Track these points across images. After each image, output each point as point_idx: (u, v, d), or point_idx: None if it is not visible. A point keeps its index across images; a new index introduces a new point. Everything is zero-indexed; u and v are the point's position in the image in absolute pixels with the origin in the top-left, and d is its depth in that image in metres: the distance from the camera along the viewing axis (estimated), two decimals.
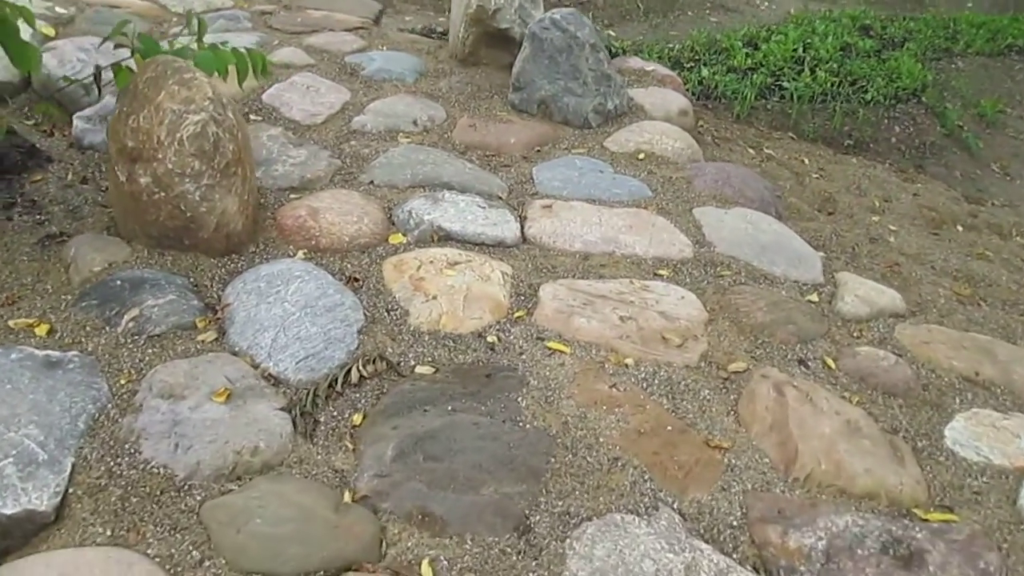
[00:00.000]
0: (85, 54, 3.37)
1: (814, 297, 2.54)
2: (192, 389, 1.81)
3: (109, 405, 1.76)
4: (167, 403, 1.75)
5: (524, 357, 2.12)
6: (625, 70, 4.04)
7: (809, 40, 5.59)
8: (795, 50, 5.36)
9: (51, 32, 3.62)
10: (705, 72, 4.85)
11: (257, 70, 2.66)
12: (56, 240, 2.39)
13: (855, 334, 2.39)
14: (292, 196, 2.71)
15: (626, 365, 2.13)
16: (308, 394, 1.91)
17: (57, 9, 3.86)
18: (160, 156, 2.20)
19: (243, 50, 2.62)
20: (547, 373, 2.06)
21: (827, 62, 5.23)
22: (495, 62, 3.88)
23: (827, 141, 4.47)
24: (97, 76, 2.60)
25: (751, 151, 4.14)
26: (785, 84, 4.84)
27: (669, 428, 1.93)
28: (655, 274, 2.55)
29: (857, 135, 4.56)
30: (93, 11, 3.92)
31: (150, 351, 1.93)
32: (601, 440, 1.87)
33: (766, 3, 7.34)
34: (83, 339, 1.95)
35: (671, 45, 5.49)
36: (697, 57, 5.24)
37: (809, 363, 2.22)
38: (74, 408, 1.71)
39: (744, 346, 2.27)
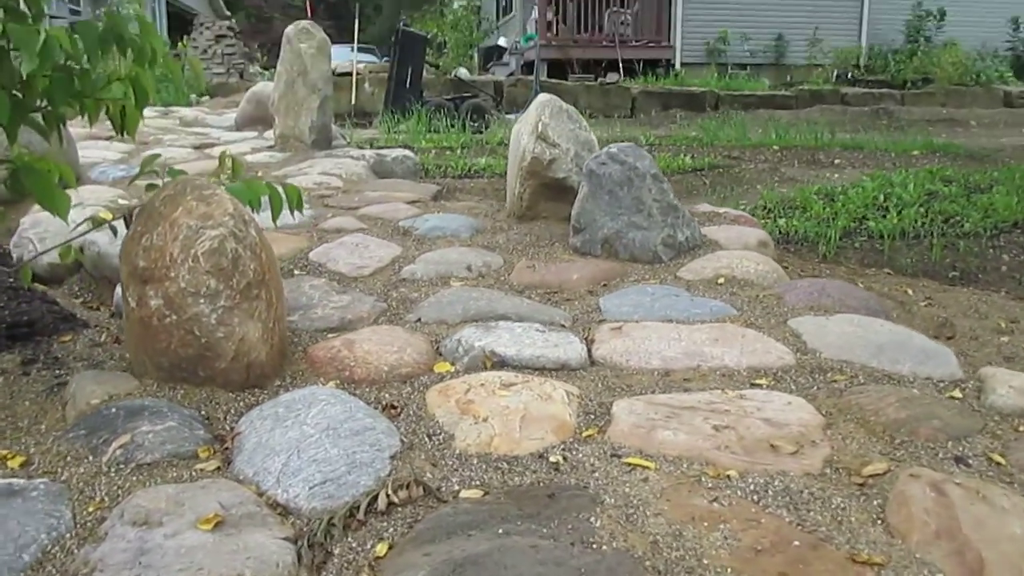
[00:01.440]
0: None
1: (956, 393, 2.05)
2: (174, 516, 1.43)
3: (68, 535, 1.40)
4: (137, 531, 1.38)
5: (597, 475, 1.69)
6: (694, 212, 3.78)
7: (889, 190, 5.32)
8: (875, 197, 5.08)
9: (108, 216, 3.60)
10: (782, 221, 4.57)
11: (292, 204, 2.48)
12: (64, 384, 2.13)
13: (1020, 428, 1.88)
14: (330, 335, 2.43)
15: (728, 477, 1.68)
16: (321, 523, 1.51)
17: (120, 201, 3.89)
18: (173, 275, 1.97)
19: (278, 185, 2.47)
20: (627, 490, 1.62)
21: (912, 205, 4.91)
22: (554, 215, 3.68)
23: (929, 274, 4.03)
24: (128, 217, 2.46)
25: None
26: (871, 223, 4.50)
27: (796, 543, 1.44)
28: (751, 384, 2.12)
29: (962, 266, 4.12)
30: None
31: (134, 479, 1.59)
32: (705, 562, 1.40)
33: (836, 175, 7.18)
34: (59, 469, 1.62)
35: (744, 203, 5.28)
36: (771, 212, 4.99)
37: (969, 460, 1.72)
38: (22, 538, 1.35)
39: (878, 448, 1.78)
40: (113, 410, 1.80)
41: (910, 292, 3.72)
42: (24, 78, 2.18)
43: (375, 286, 2.89)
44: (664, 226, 3.16)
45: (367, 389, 2.08)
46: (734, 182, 6.51)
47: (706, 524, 1.51)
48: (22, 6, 2.07)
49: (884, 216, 4.69)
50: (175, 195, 2.06)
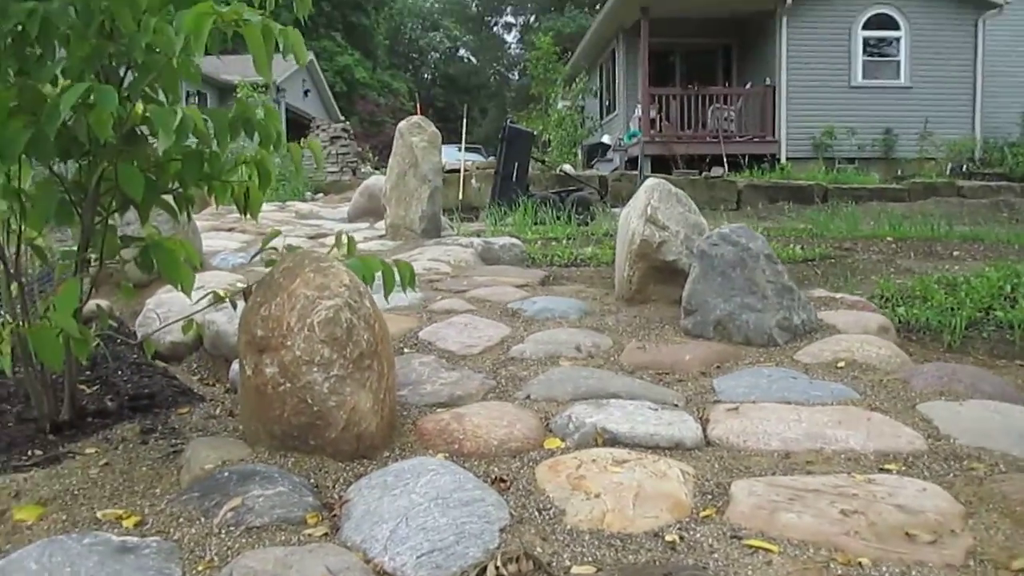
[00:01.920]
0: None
1: None
2: None
3: None
4: None
5: (716, 556, 1.59)
6: (813, 298, 3.66)
7: (1016, 280, 5.03)
8: (1001, 287, 4.81)
9: (226, 293, 3.75)
10: (902, 311, 4.36)
11: (405, 282, 2.53)
12: (180, 452, 2.18)
13: None
14: (439, 410, 2.42)
15: (860, 564, 1.55)
16: None
17: (239, 284, 4.05)
18: (288, 343, 2.01)
19: (391, 263, 2.52)
20: (749, 573, 1.52)
21: None
22: (664, 298, 3.63)
23: None
24: (247, 292, 2.55)
25: None
26: (999, 313, 4.25)
27: None
28: (880, 469, 1.98)
29: None
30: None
31: (243, 540, 1.58)
32: None
33: (956, 267, 6.87)
34: (171, 529, 1.64)
35: (859, 292, 5.08)
36: (888, 299, 4.78)
37: None
38: None
39: None
40: (226, 474, 1.82)
41: None
42: (158, 159, 2.32)
43: (484, 364, 2.89)
44: (779, 308, 3.06)
45: (476, 462, 2.04)
46: (847, 272, 6.30)
47: None
48: (160, 96, 2.22)
49: (1013, 306, 4.43)
50: (294, 267, 2.12)
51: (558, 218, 9.26)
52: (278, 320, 2.03)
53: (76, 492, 1.91)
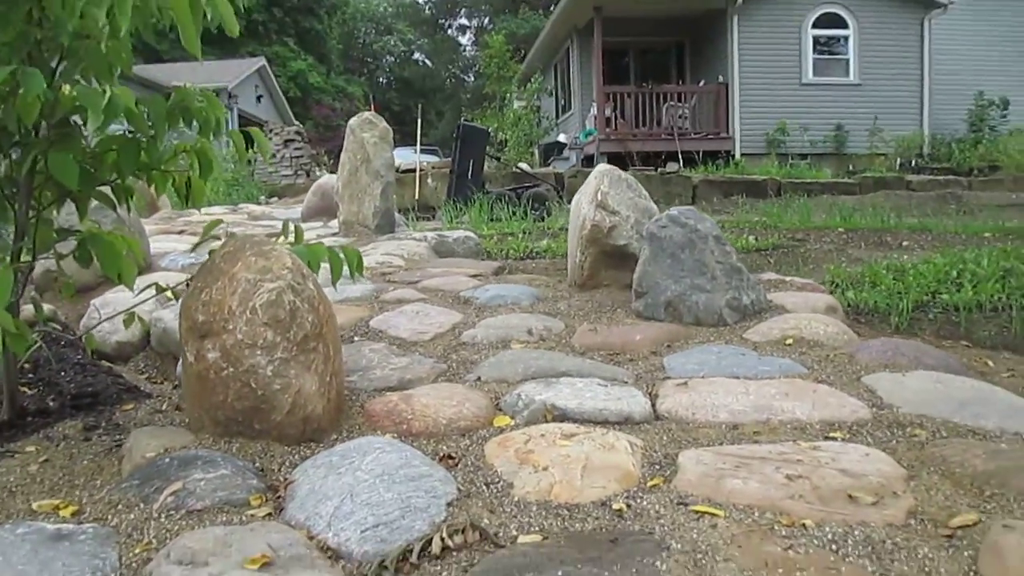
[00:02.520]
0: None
1: None
2: (220, 557, 1.39)
3: (112, 575, 1.35)
4: (183, 570, 1.33)
5: (662, 522, 1.59)
6: (762, 281, 3.69)
7: (962, 266, 5.14)
8: (948, 272, 4.90)
9: (166, 289, 3.68)
10: (851, 294, 4.43)
11: (352, 268, 2.50)
12: (122, 445, 2.13)
13: None
14: (388, 393, 2.39)
15: (804, 526, 1.56)
16: (372, 566, 1.44)
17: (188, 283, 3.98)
18: (230, 327, 1.97)
19: (338, 248, 2.49)
20: (695, 536, 1.53)
21: (988, 280, 4.72)
22: (616, 282, 3.64)
23: (1011, 347, 3.81)
24: (190, 284, 2.51)
25: None
26: (945, 296, 4.33)
27: None
28: (826, 436, 2.00)
29: None
30: None
31: (183, 523, 1.55)
32: None
33: (905, 256, 6.99)
34: (109, 516, 1.60)
35: (809, 278, 5.14)
36: (839, 285, 4.85)
37: None
38: None
39: (966, 500, 1.65)
40: (167, 460, 1.78)
41: (991, 363, 3.53)
42: (94, 151, 2.27)
43: (435, 350, 2.87)
44: (729, 288, 3.08)
45: (424, 441, 2.02)
46: (799, 261, 6.39)
47: (781, 571, 1.40)
48: (94, 83, 2.16)
49: (958, 290, 4.52)
50: (235, 251, 2.09)
51: (514, 214, 9.26)
52: (219, 304, 1.99)
53: (13, 488, 1.85)
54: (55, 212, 2.48)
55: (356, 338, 2.99)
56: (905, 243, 7.62)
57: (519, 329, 3.02)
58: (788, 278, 3.76)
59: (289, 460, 1.92)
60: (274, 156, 12.65)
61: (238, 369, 1.96)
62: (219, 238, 2.43)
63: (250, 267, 2.04)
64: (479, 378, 2.51)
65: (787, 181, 12.11)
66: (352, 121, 5.72)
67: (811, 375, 2.44)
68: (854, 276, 5.14)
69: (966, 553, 1.45)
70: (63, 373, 2.90)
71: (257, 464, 1.89)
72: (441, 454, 1.94)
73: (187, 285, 2.52)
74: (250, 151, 13.61)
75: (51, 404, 2.55)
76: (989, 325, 4.06)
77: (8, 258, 2.28)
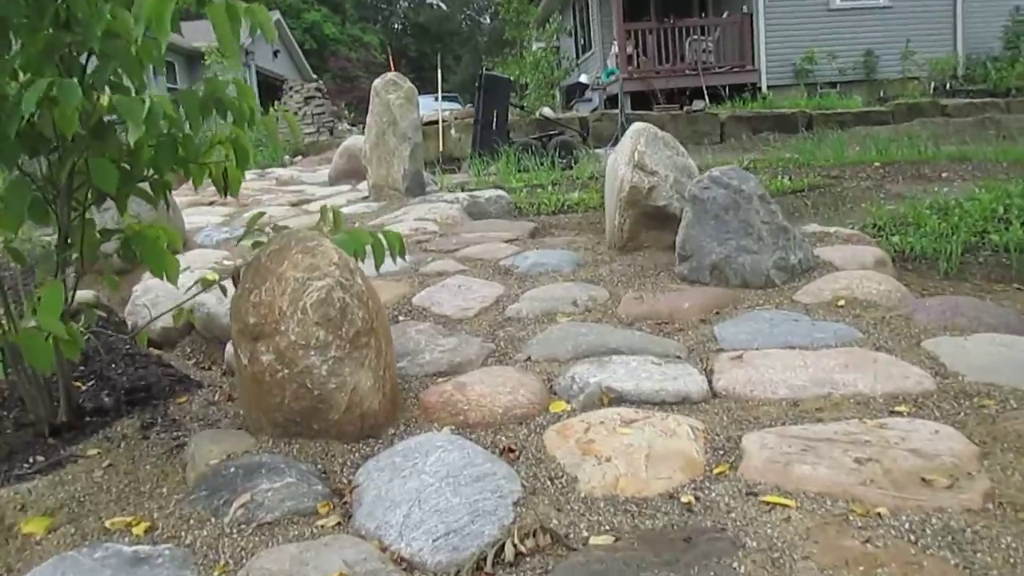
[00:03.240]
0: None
1: None
2: None
3: None
4: None
5: (734, 516, 1.58)
6: (808, 234, 3.62)
7: (1008, 201, 5.00)
8: (994, 209, 4.78)
9: (214, 277, 3.68)
10: (896, 239, 4.33)
11: (395, 252, 2.47)
12: (183, 446, 2.14)
13: None
14: (440, 380, 2.38)
15: (879, 515, 1.54)
16: None
17: (226, 262, 3.98)
18: (283, 328, 1.96)
19: (380, 234, 2.46)
20: (769, 532, 1.51)
21: None
22: (657, 243, 3.58)
23: None
24: (236, 276, 2.49)
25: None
26: (994, 237, 4.22)
27: None
28: (891, 412, 1.96)
29: None
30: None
31: (256, 539, 1.56)
32: None
33: (945, 189, 6.83)
34: (183, 533, 1.61)
35: (851, 222, 5.04)
36: (881, 227, 4.75)
37: None
38: None
39: None
40: (232, 469, 1.79)
41: None
42: (131, 148, 2.24)
43: (481, 327, 2.85)
44: (775, 248, 3.02)
45: (483, 433, 2.02)
46: (837, 201, 6.26)
47: (863, 569, 1.38)
48: (125, 82, 2.13)
49: (1007, 228, 4.40)
50: (281, 249, 2.06)
51: (541, 164, 9.15)
52: (270, 306, 1.98)
53: (82, 499, 1.88)
54: (95, 210, 2.47)
55: (401, 317, 2.98)
56: (945, 174, 7.44)
57: (563, 300, 2.99)
58: (832, 229, 3.68)
59: (350, 460, 1.92)
60: (295, 114, 12.58)
61: (293, 370, 1.95)
62: (263, 231, 2.41)
63: (297, 265, 2.02)
64: (529, 358, 2.49)
65: (817, 113, 11.83)
66: (376, 83, 5.63)
67: (868, 341, 2.39)
68: (897, 217, 5.03)
69: None
70: (114, 365, 2.93)
71: (319, 466, 1.89)
72: (501, 447, 1.93)
73: (232, 278, 2.52)
74: (274, 110, 13.55)
75: (106, 401, 2.57)
76: None
77: (56, 265, 2.28)
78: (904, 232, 4.57)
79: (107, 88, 2.00)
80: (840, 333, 2.45)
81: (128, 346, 3.13)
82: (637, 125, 3.64)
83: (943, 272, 3.93)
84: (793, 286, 2.98)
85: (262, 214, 2.43)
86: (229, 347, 2.94)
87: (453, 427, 2.05)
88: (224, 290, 2.82)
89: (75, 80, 1.77)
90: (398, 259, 3.75)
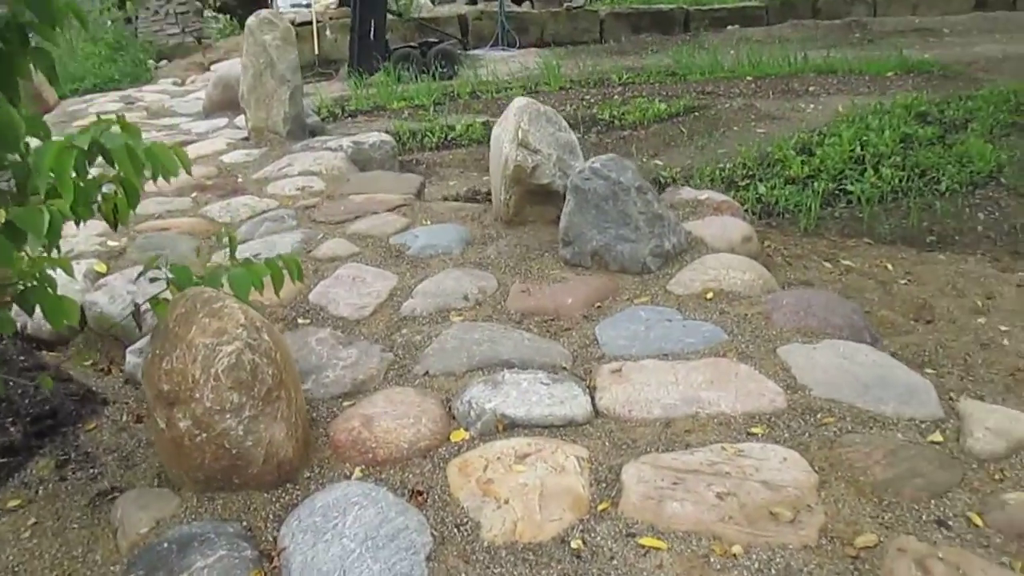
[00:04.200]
0: (135, 286, 3.36)
1: (937, 436, 2.21)
2: None
3: None
4: None
5: (615, 562, 1.85)
6: (677, 203, 3.87)
7: (865, 137, 5.39)
8: (852, 150, 5.15)
9: (103, 268, 3.66)
10: (762, 188, 4.66)
11: (293, 276, 2.57)
12: (107, 498, 2.25)
13: (996, 476, 2.04)
14: (345, 403, 2.55)
15: (734, 555, 1.84)
16: None
17: (109, 243, 3.93)
18: (198, 396, 2.07)
19: (277, 259, 2.54)
20: None
21: (889, 157, 5.00)
22: (541, 218, 3.76)
23: (907, 241, 4.16)
24: (136, 313, 2.54)
25: (827, 265, 3.88)
26: (850, 188, 4.60)
27: None
28: (748, 433, 2.27)
29: (939, 229, 4.25)
30: (143, 238, 3.96)
31: None
32: None
33: (811, 106, 7.20)
34: None
35: (721, 165, 5.34)
36: (751, 173, 5.07)
37: (950, 523, 1.89)
38: None
39: (868, 511, 1.95)
40: (165, 545, 1.93)
41: (889, 267, 3.86)
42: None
43: (378, 329, 3.00)
44: (651, 237, 3.25)
45: (392, 471, 2.21)
46: (711, 127, 6.55)
47: None
48: None
49: (862, 174, 4.78)
50: (187, 313, 2.14)
51: (422, 74, 9.04)
52: (182, 373, 2.07)
53: (16, 569, 2.00)
54: None
55: (300, 320, 3.09)
56: (811, 88, 7.82)
57: (455, 295, 3.15)
58: (704, 196, 3.93)
59: (272, 512, 2.09)
60: (156, 13, 11.79)
61: (211, 434, 2.08)
62: (160, 267, 2.45)
63: (205, 331, 2.11)
64: (427, 372, 2.68)
65: (695, 9, 11.99)
66: (250, 22, 5.41)
67: (732, 345, 2.68)
68: (764, 157, 5.35)
69: None
70: (11, 383, 2.92)
71: (244, 523, 2.05)
72: (410, 489, 2.14)
73: (132, 317, 2.57)
74: (129, 5, 12.63)
75: (13, 433, 2.61)
76: (889, 219, 4.38)
77: None
78: (769, 179, 4.90)
79: None
80: (707, 335, 2.74)
81: (22, 358, 3.13)
82: (520, 101, 3.73)
83: (803, 228, 4.30)
84: (667, 273, 3.24)
85: (156, 258, 2.46)
86: (130, 357, 2.99)
87: (363, 466, 2.24)
88: (140, 326, 2.86)
89: None
90: (288, 235, 3.81)
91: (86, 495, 2.30)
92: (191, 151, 5.71)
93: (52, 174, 1.94)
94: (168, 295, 2.47)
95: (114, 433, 2.64)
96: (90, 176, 2.39)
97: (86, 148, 2.22)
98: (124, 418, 2.74)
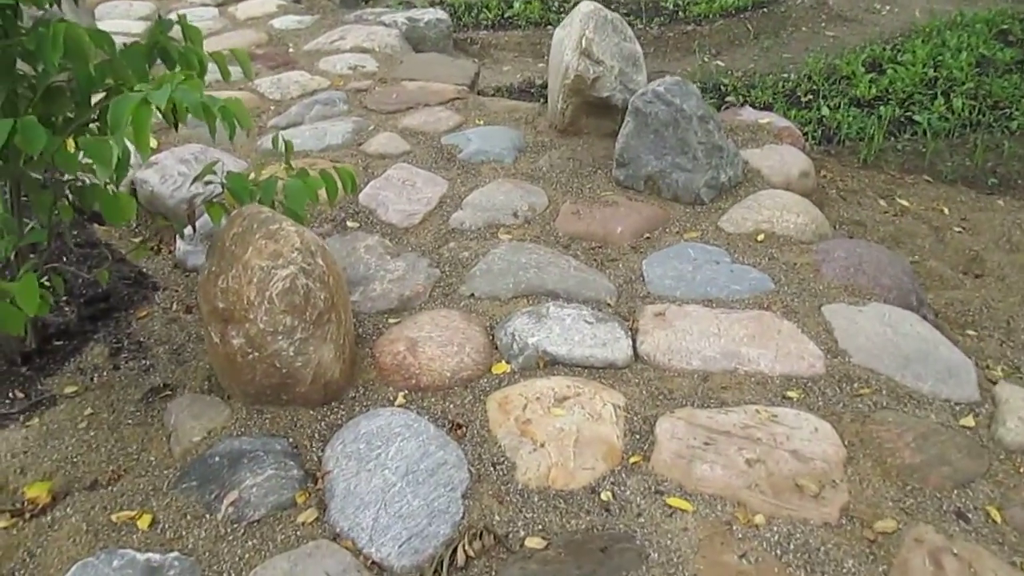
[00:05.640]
0: (186, 167, 3.38)
1: (969, 420, 2.23)
2: None
3: None
4: None
5: (642, 520, 1.93)
6: (737, 126, 3.76)
7: (940, 57, 5.14)
8: (925, 71, 4.93)
9: (153, 143, 3.66)
10: (826, 111, 4.50)
11: (347, 188, 2.58)
12: (160, 395, 2.36)
13: (1022, 470, 2.08)
14: (391, 320, 2.61)
15: (756, 525, 1.92)
16: None
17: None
18: (252, 316, 2.13)
19: (331, 172, 2.54)
20: (669, 543, 1.87)
21: (963, 84, 4.78)
22: (597, 131, 3.69)
23: (968, 182, 4.05)
24: (191, 215, 2.57)
25: (882, 203, 3.80)
26: (917, 118, 4.43)
27: None
28: (783, 396, 2.30)
29: (1003, 171, 4.11)
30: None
31: (250, 543, 1.85)
32: None
33: (887, 8, 6.83)
34: (183, 532, 1.89)
35: (785, 75, 5.15)
36: (815, 88, 4.89)
37: (969, 515, 1.94)
38: None
39: (891, 494, 2.00)
40: (216, 459, 2.04)
41: (946, 211, 3.79)
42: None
43: (426, 240, 3.02)
44: (708, 168, 3.19)
45: (433, 400, 2.29)
46: (778, 26, 6.27)
47: None
48: None
49: (932, 101, 4.59)
50: (243, 233, 2.17)
51: None
52: (237, 293, 2.12)
53: (75, 459, 2.13)
54: None
55: (348, 223, 3.11)
56: None
57: (504, 210, 3.15)
58: (766, 119, 3.81)
59: (318, 431, 2.19)
60: None
61: (263, 354, 2.15)
62: (215, 174, 2.46)
63: (262, 252, 2.14)
64: (472, 294, 2.71)
65: None
66: None
67: (777, 297, 2.67)
68: (831, 70, 5.14)
69: (881, 568, 1.82)
70: (65, 259, 3.01)
71: (291, 440, 2.15)
72: (450, 420, 2.22)
73: (187, 217, 2.60)
74: None
75: (70, 316, 2.71)
76: (954, 156, 4.25)
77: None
78: (834, 96, 4.73)
79: None
80: (754, 283, 2.73)
81: (75, 232, 3.19)
82: (587, 6, 3.58)
83: (863, 160, 4.18)
84: (720, 207, 3.19)
85: (216, 162, 2.46)
86: (180, 244, 3.06)
87: (406, 392, 2.32)
88: (183, 235, 2.90)
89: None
90: (340, 123, 3.78)
91: (139, 389, 2.41)
92: (240, 9, 5.59)
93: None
94: (224, 200, 2.50)
95: (165, 323, 2.73)
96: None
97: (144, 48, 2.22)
98: (175, 307, 2.83)
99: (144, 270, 3.05)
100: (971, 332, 3.02)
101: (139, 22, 5.33)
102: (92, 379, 2.46)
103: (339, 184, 2.56)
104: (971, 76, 4.87)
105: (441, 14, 5.26)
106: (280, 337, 2.15)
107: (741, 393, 2.31)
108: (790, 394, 2.31)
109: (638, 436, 2.18)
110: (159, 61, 2.33)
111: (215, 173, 2.46)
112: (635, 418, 2.23)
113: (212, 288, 2.17)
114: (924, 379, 2.35)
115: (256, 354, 2.15)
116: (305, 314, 2.17)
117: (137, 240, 3.33)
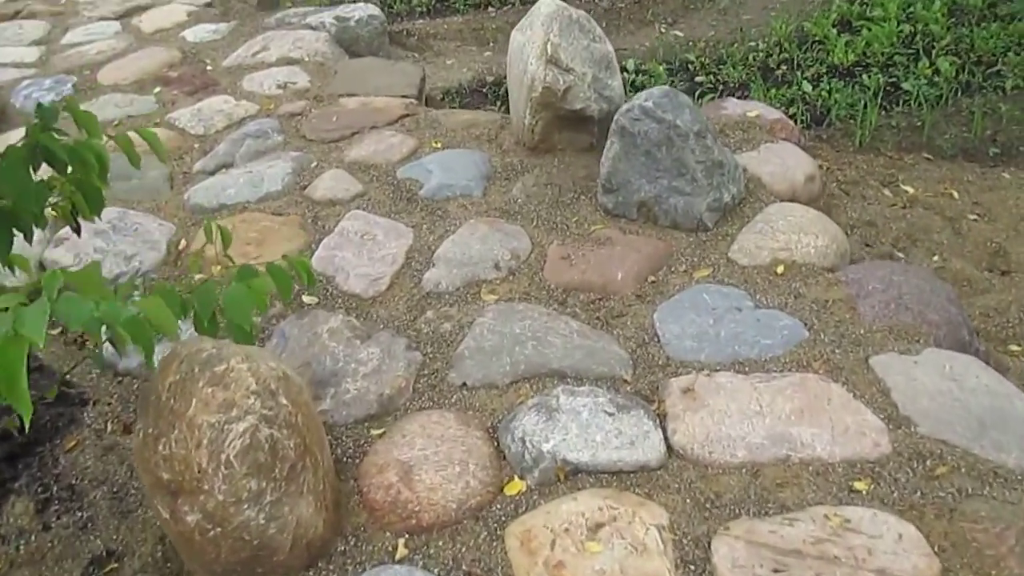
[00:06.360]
0: (103, 239, 2.86)
1: None
2: None
3: None
4: None
5: None
6: (725, 124, 3.36)
7: (911, 8, 4.79)
8: (900, 28, 4.58)
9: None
10: (808, 87, 4.12)
11: (303, 280, 2.13)
12: (104, 570, 1.93)
13: None
14: (373, 432, 2.19)
15: None
16: None
17: None
18: (207, 487, 1.69)
19: (280, 262, 2.09)
20: None
21: (942, 39, 4.44)
22: (572, 146, 3.26)
23: (969, 155, 3.72)
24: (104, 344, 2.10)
25: (887, 193, 3.46)
26: (906, 86, 4.08)
27: None
28: (851, 489, 1.95)
29: (1003, 139, 3.80)
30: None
31: None
32: None
33: None
34: None
35: (752, 43, 4.75)
36: (788, 57, 4.51)
37: None
38: None
39: None
40: None
41: (955, 195, 3.47)
42: None
43: (398, 311, 2.59)
44: (710, 189, 2.80)
45: (440, 544, 1.89)
46: None
47: None
48: None
49: (916, 63, 4.25)
50: (183, 381, 1.72)
51: None
52: (184, 461, 1.69)
53: None
54: None
55: (304, 296, 2.66)
56: None
57: (484, 262, 2.72)
58: (754, 112, 3.41)
59: None
60: None
61: (227, 528, 1.72)
62: (137, 286, 2.00)
63: (209, 405, 1.70)
64: (464, 384, 2.31)
65: None
66: None
67: (816, 350, 2.31)
68: (802, 38, 4.77)
69: None
70: None
71: None
72: (465, 571, 1.83)
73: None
74: None
75: None
76: (950, 127, 3.92)
77: None
78: (810, 65, 4.37)
79: None
80: (787, 333, 2.37)
81: None
82: (548, 6, 3.12)
83: (858, 142, 3.82)
84: (726, 232, 2.81)
85: (137, 279, 2.00)
86: (108, 345, 2.58)
87: (407, 535, 1.91)
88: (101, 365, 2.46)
89: None
90: (278, 165, 3.31)
91: (78, 561, 1.98)
92: (146, 20, 4.98)
93: None
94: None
95: (100, 454, 2.28)
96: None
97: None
98: (109, 427, 2.39)
99: (69, 377, 2.57)
100: (1014, 347, 2.72)
101: (32, 48, 4.69)
102: (18, 550, 2.01)
103: (293, 275, 2.11)
104: (948, 27, 4.53)
105: (372, 9, 4.72)
106: (246, 506, 1.72)
107: (801, 490, 1.96)
108: (858, 486, 1.96)
109: (692, 567, 1.81)
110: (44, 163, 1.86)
111: (137, 288, 2.00)
112: (684, 540, 1.86)
113: (151, 455, 1.72)
114: (1006, 449, 2.01)
115: (218, 530, 1.72)
116: (274, 471, 1.74)
117: (55, 331, 2.84)
